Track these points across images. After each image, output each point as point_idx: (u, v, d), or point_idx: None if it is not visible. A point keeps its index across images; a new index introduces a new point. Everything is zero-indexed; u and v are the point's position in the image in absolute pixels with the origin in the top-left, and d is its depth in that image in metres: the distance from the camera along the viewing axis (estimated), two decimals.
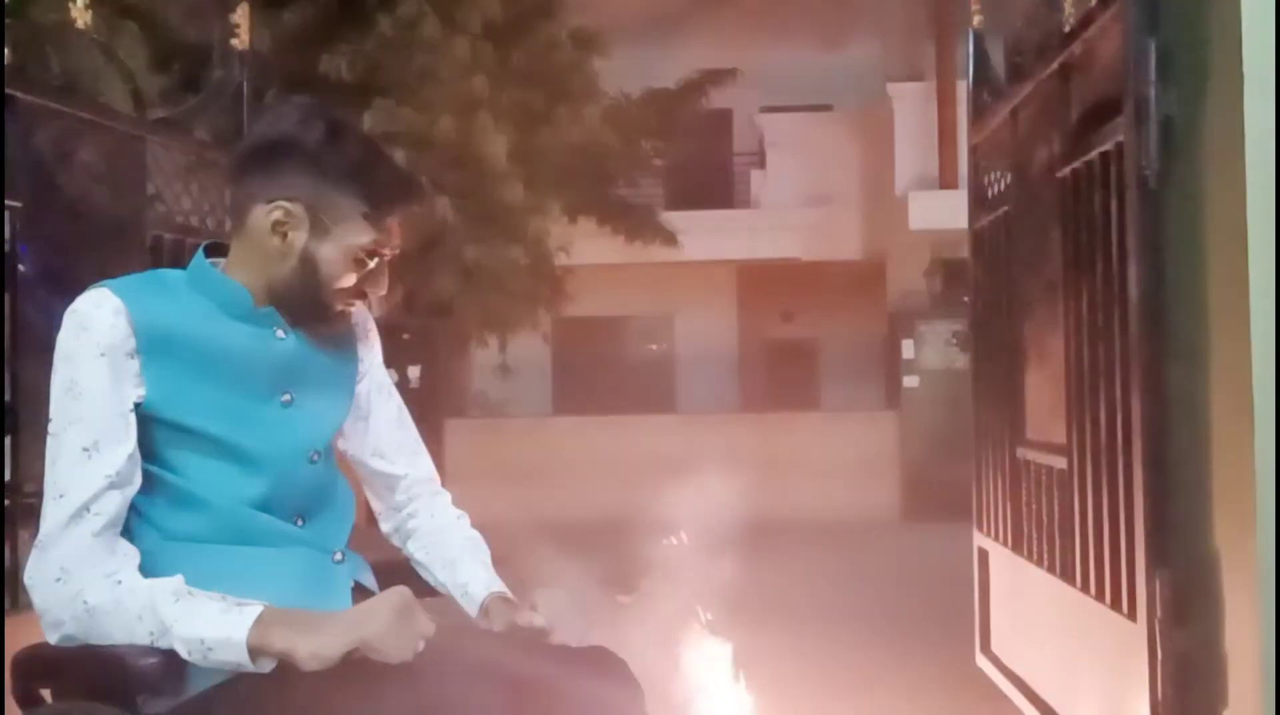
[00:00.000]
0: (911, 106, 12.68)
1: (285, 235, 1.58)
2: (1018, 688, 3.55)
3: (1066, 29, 3.14)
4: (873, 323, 13.47)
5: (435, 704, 1.42)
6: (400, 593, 1.50)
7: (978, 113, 4.10)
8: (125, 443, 1.51)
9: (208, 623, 1.41)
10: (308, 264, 1.59)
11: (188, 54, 7.01)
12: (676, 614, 3.86)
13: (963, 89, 4.36)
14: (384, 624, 1.44)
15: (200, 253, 1.66)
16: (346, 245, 1.60)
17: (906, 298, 11.05)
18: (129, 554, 1.49)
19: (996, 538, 3.82)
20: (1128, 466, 2.62)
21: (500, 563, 1.84)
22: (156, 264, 3.41)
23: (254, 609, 1.42)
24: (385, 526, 1.90)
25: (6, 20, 3.20)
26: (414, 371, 9.75)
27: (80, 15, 3.38)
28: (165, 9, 6.55)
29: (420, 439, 1.91)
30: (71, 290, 1.57)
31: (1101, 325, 2.80)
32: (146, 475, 1.54)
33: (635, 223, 10.83)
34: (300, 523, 1.62)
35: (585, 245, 10.70)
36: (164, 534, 1.54)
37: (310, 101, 1.65)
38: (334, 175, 1.58)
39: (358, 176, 1.60)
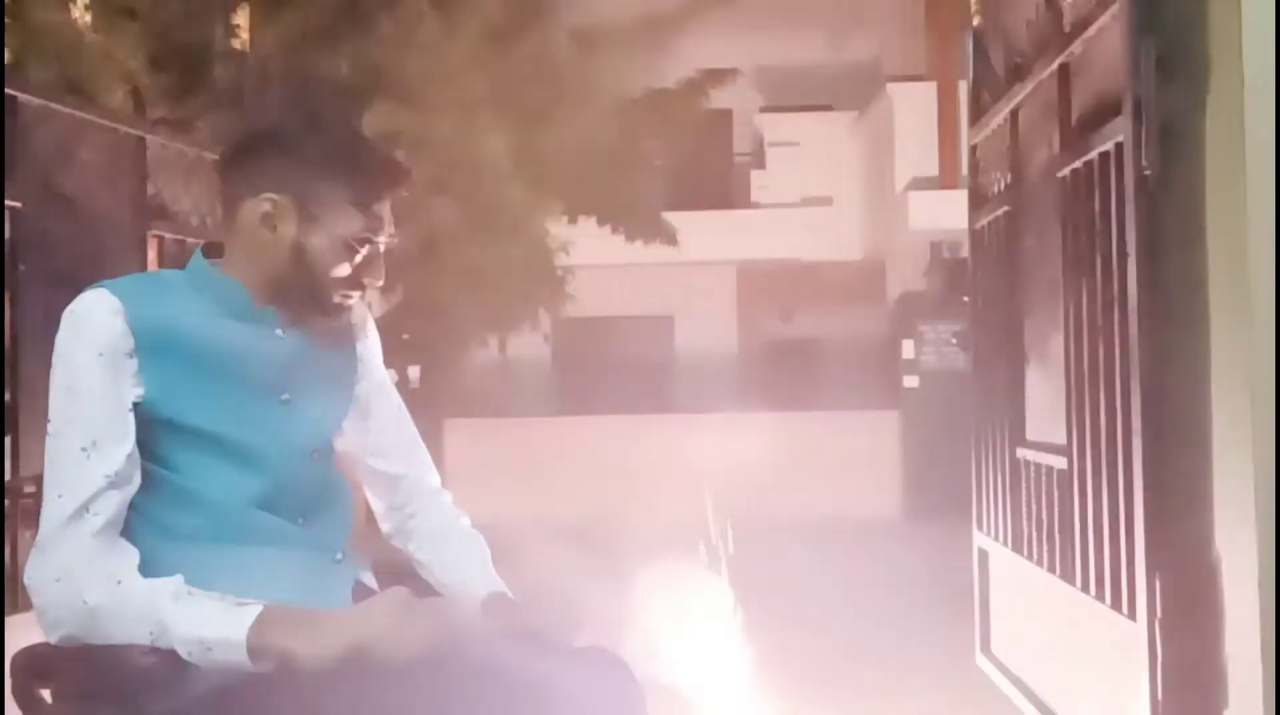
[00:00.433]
0: (911, 106, 12.68)
1: (275, 228, 1.59)
2: (1018, 688, 3.55)
3: (1066, 29, 3.14)
4: (873, 323, 13.47)
5: (435, 704, 1.42)
6: (400, 592, 1.49)
7: (978, 113, 4.09)
8: (124, 442, 1.51)
9: (207, 623, 1.41)
10: (299, 255, 1.59)
11: (188, 54, 7.01)
12: (676, 614, 3.86)
13: (963, 89, 4.36)
14: (384, 624, 1.44)
15: (198, 253, 1.66)
16: (336, 234, 1.60)
17: (906, 298, 11.04)
18: (129, 554, 1.49)
19: (996, 538, 3.81)
20: (1128, 466, 2.62)
21: (500, 562, 1.84)
22: (156, 264, 3.41)
23: (254, 609, 1.42)
24: (385, 527, 1.89)
25: (6, 20, 3.20)
26: (414, 371, 9.74)
27: (80, 15, 3.38)
28: (165, 9, 6.54)
29: (420, 439, 1.91)
30: (71, 290, 1.57)
31: (1101, 325, 2.80)
32: (146, 474, 1.54)
33: (635, 223, 10.82)
34: (301, 522, 1.62)
35: (585, 245, 10.70)
36: (164, 533, 1.54)
37: (292, 91, 1.66)
38: (316, 163, 1.59)
39: (340, 162, 1.61)
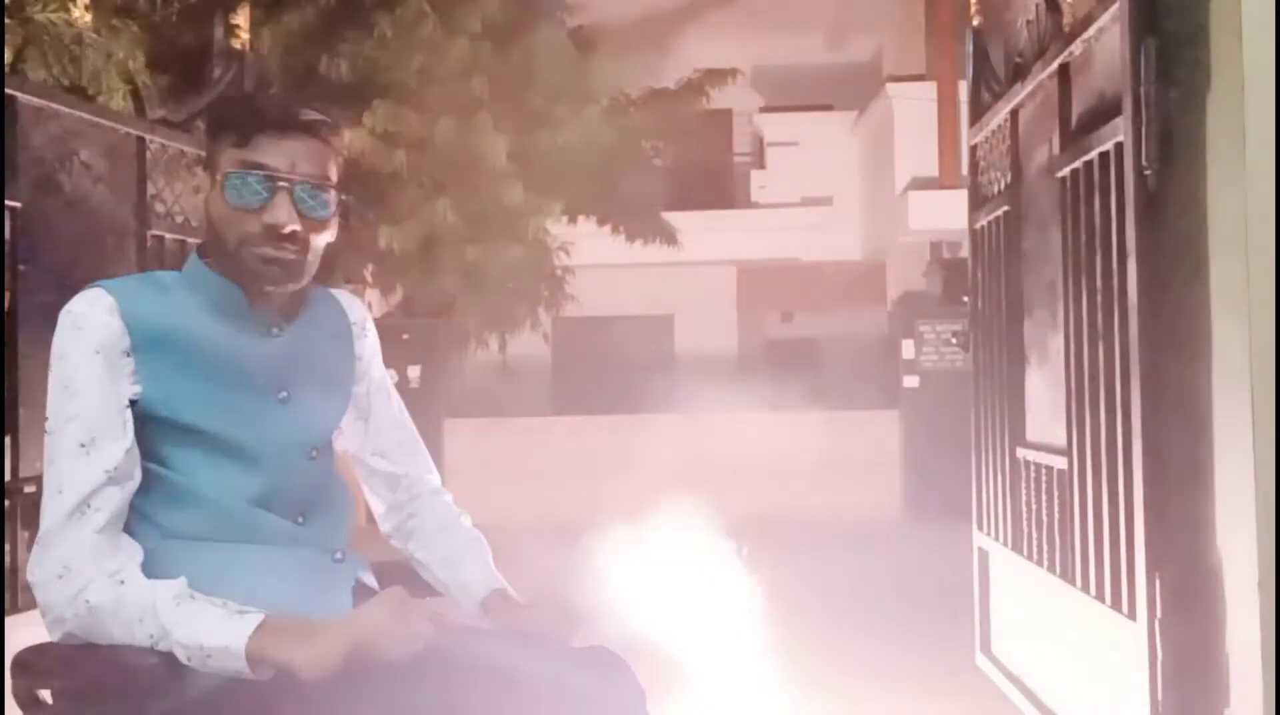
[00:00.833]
0: (911, 106, 12.67)
1: (202, 202, 1.63)
2: (1018, 688, 3.55)
3: (1066, 29, 3.14)
4: (873, 323, 13.47)
5: (436, 704, 1.42)
6: (396, 594, 1.50)
7: (978, 113, 4.09)
8: (122, 439, 1.51)
9: (207, 629, 1.41)
10: (211, 219, 1.61)
11: (188, 54, 7.01)
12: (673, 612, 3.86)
13: (963, 89, 4.36)
14: (381, 628, 1.44)
15: (194, 253, 1.66)
16: (219, 178, 1.58)
17: (906, 298, 11.04)
18: (132, 551, 1.49)
19: (996, 538, 3.81)
20: (1128, 466, 2.62)
21: (499, 562, 1.84)
22: (156, 264, 3.41)
23: (254, 617, 1.42)
24: (386, 526, 1.90)
25: (6, 20, 3.20)
26: (414, 371, 9.74)
27: (80, 15, 3.38)
28: (166, 9, 6.55)
29: (420, 439, 1.91)
30: (71, 290, 1.57)
31: (1101, 325, 2.80)
32: (146, 473, 1.54)
33: (635, 223, 10.82)
34: (300, 521, 1.62)
35: (585, 245, 10.70)
36: (164, 532, 1.54)
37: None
38: (214, 127, 1.63)
39: (223, 115, 1.63)
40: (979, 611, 4.01)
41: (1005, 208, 3.67)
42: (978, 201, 4.08)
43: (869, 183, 14.35)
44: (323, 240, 1.63)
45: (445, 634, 1.55)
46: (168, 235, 3.46)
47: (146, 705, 1.45)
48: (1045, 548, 3.30)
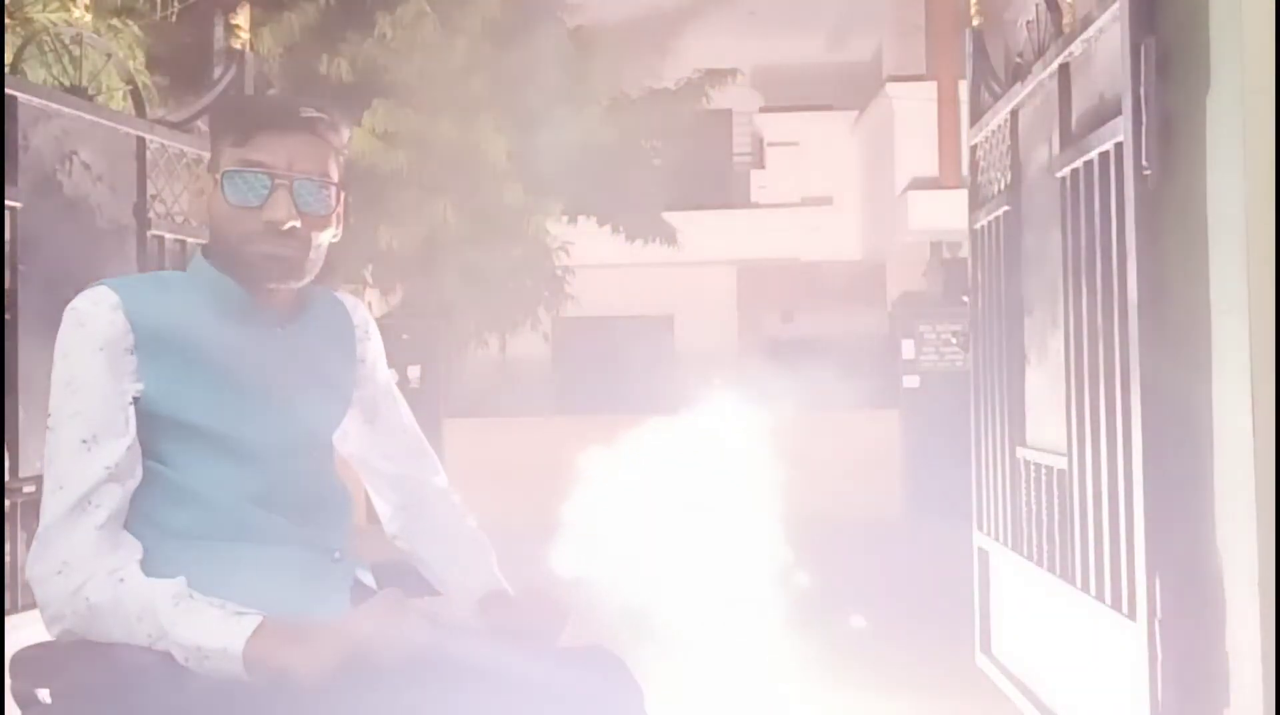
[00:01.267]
0: (911, 106, 12.68)
1: (204, 202, 1.63)
2: (1018, 688, 3.55)
3: (1066, 29, 3.14)
4: (873, 323, 13.48)
5: (433, 706, 1.42)
6: (393, 596, 1.50)
7: (978, 113, 4.10)
8: (124, 436, 1.51)
9: (206, 631, 1.41)
10: (213, 219, 1.62)
11: (188, 54, 7.01)
12: (675, 613, 3.86)
13: (963, 89, 4.36)
14: (378, 631, 1.44)
15: (199, 253, 1.66)
16: (218, 177, 1.60)
17: (906, 298, 11.04)
18: (132, 549, 1.49)
19: (996, 538, 3.81)
20: (1128, 466, 2.62)
21: (500, 561, 1.84)
22: (156, 264, 3.41)
23: (252, 620, 1.42)
24: (391, 528, 1.90)
25: (6, 20, 3.20)
26: (414, 371, 9.74)
27: (80, 15, 3.38)
28: (165, 9, 6.55)
29: (425, 440, 1.92)
30: (71, 290, 1.57)
31: (1101, 325, 2.80)
32: (146, 471, 1.54)
33: (635, 223, 10.82)
34: (299, 521, 1.62)
35: (585, 245, 10.70)
36: (163, 530, 1.54)
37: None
38: (215, 127, 1.68)
39: (225, 115, 1.68)
40: (979, 611, 4.01)
41: (1005, 208, 3.67)
42: (978, 201, 4.08)
43: (869, 183, 14.35)
44: (324, 237, 1.63)
45: (442, 635, 1.55)
46: (168, 235, 3.46)
47: (145, 705, 1.45)
48: (1045, 548, 3.30)
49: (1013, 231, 3.65)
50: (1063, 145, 3.10)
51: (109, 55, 3.56)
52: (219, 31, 3.71)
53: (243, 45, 3.73)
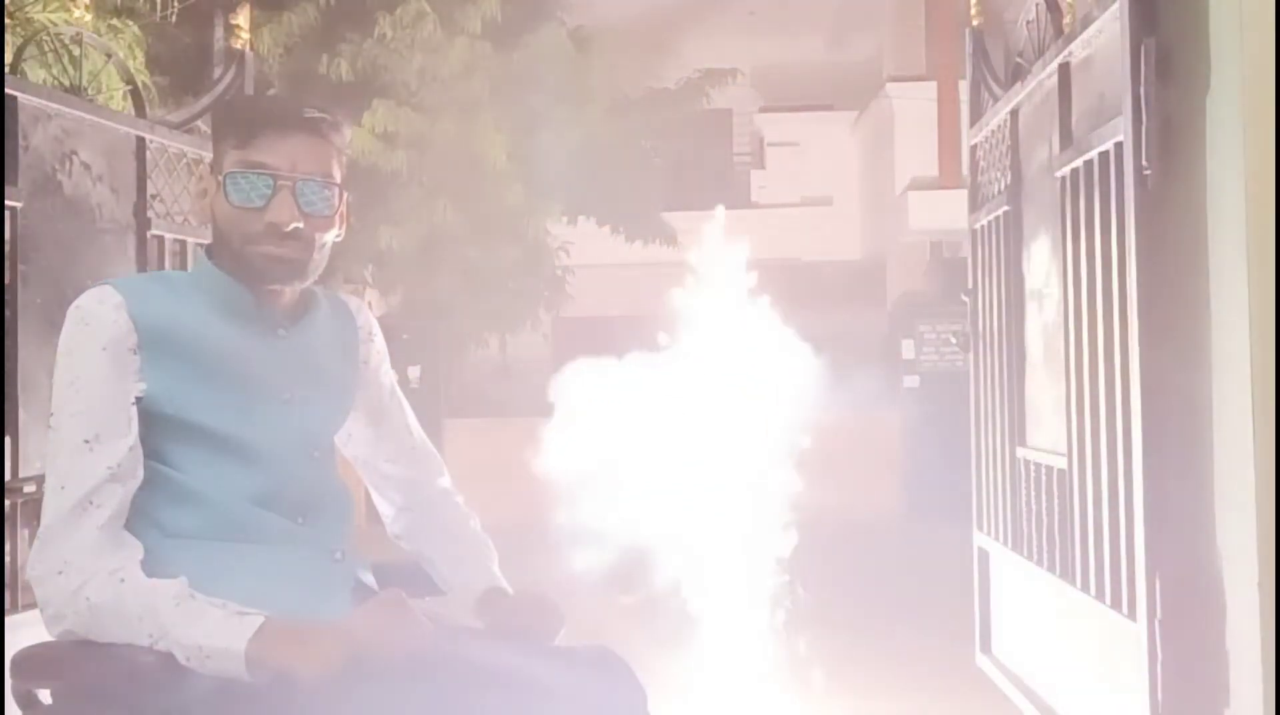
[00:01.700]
0: (911, 106, 12.68)
1: (207, 204, 1.64)
2: (1018, 688, 3.54)
3: (1066, 29, 3.14)
4: (873, 323, 13.47)
5: (435, 706, 1.42)
6: (394, 596, 1.50)
7: (977, 113, 4.10)
8: (126, 436, 1.51)
9: (208, 631, 1.41)
10: (216, 219, 1.63)
11: (188, 54, 7.01)
12: (675, 613, 3.86)
13: (963, 89, 4.36)
14: (379, 632, 1.44)
15: (203, 254, 1.67)
16: (221, 179, 1.61)
17: (906, 298, 11.05)
18: (133, 549, 1.49)
19: (996, 538, 3.81)
20: (1128, 466, 2.62)
21: (500, 561, 1.85)
22: (156, 264, 3.41)
23: (254, 620, 1.42)
24: (394, 528, 1.90)
25: (6, 20, 3.20)
26: (414, 371, 9.75)
27: (80, 15, 3.38)
28: (165, 9, 6.56)
29: (429, 442, 1.92)
30: (71, 290, 1.58)
31: (1101, 325, 2.80)
32: (147, 471, 1.54)
33: (635, 223, 10.82)
34: (301, 521, 1.62)
35: (585, 245, 10.70)
36: (164, 531, 1.54)
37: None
38: (217, 129, 1.68)
39: (227, 116, 1.68)
40: (979, 611, 4.01)
41: (1005, 208, 3.67)
42: (978, 201, 4.08)
43: (869, 183, 14.35)
44: (327, 238, 1.63)
45: (444, 635, 1.55)
46: (168, 235, 3.45)
47: (146, 705, 1.45)
48: (1045, 548, 3.30)
49: (1013, 231, 3.65)
50: (1063, 145, 3.10)
51: (109, 55, 3.56)
52: (219, 31, 3.71)
53: (243, 45, 3.72)
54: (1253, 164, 2.25)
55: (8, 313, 2.86)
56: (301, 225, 1.59)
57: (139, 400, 1.53)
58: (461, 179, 9.11)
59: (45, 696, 1.52)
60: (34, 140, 2.99)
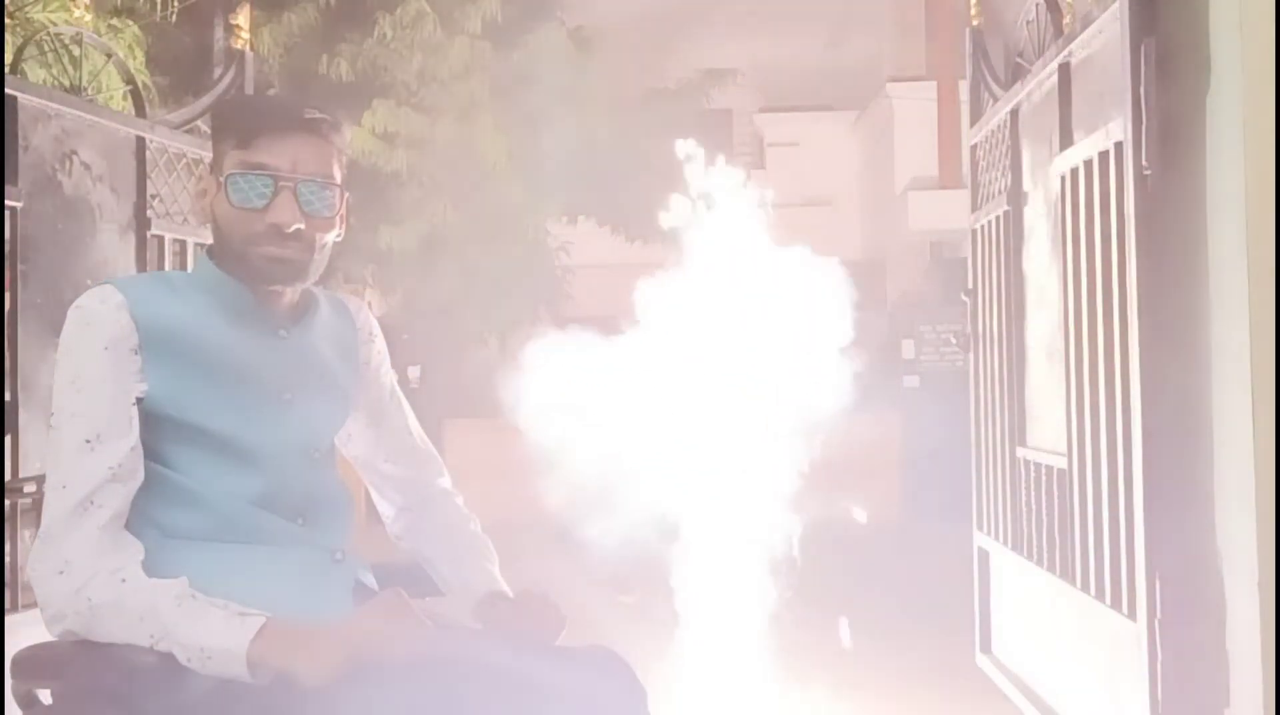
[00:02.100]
0: (911, 106, 12.68)
1: (207, 204, 1.64)
2: (1018, 688, 3.55)
3: (1066, 29, 3.14)
4: (873, 323, 13.45)
5: (436, 706, 1.42)
6: (395, 596, 1.49)
7: (977, 113, 4.10)
8: (127, 436, 1.51)
9: (209, 631, 1.41)
10: (217, 220, 1.63)
11: (188, 54, 7.01)
12: (674, 613, 3.86)
13: (963, 89, 4.37)
14: (380, 632, 1.44)
15: (204, 254, 1.67)
16: (222, 180, 1.61)
17: (906, 298, 11.05)
18: (134, 549, 1.49)
19: (996, 538, 3.82)
20: (1128, 466, 2.62)
21: (500, 562, 1.85)
22: (156, 264, 3.41)
23: (256, 621, 1.42)
24: (395, 529, 1.90)
25: (6, 20, 3.20)
26: (414, 371, 9.75)
27: (80, 15, 3.38)
28: (165, 9, 6.56)
29: (430, 443, 1.92)
30: (71, 290, 1.58)
31: (1101, 325, 2.80)
32: (148, 472, 1.54)
33: (635, 223, 10.81)
34: (301, 522, 1.62)
35: (585, 245, 10.69)
36: (165, 531, 1.54)
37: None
38: (217, 130, 1.66)
39: (227, 117, 1.66)
40: (979, 611, 4.01)
41: (1005, 208, 3.68)
42: (978, 201, 4.08)
43: (869, 183, 14.35)
44: (328, 238, 1.64)
45: (445, 636, 1.55)
46: (168, 235, 3.46)
47: (146, 705, 1.45)
48: (1045, 548, 3.30)
49: (1013, 231, 3.65)
50: (1063, 145, 3.10)
51: (109, 55, 3.56)
52: (219, 31, 3.71)
53: (243, 45, 3.73)
54: (1253, 164, 2.25)
55: (8, 313, 2.86)
56: (303, 226, 1.59)
57: (140, 400, 1.53)
58: (461, 179, 9.11)
59: (45, 696, 1.52)
60: (34, 140, 2.99)
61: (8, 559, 2.84)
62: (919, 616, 5.21)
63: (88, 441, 1.49)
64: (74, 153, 3.13)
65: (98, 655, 1.44)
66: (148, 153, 3.39)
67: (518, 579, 1.81)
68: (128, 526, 1.51)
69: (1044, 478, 3.32)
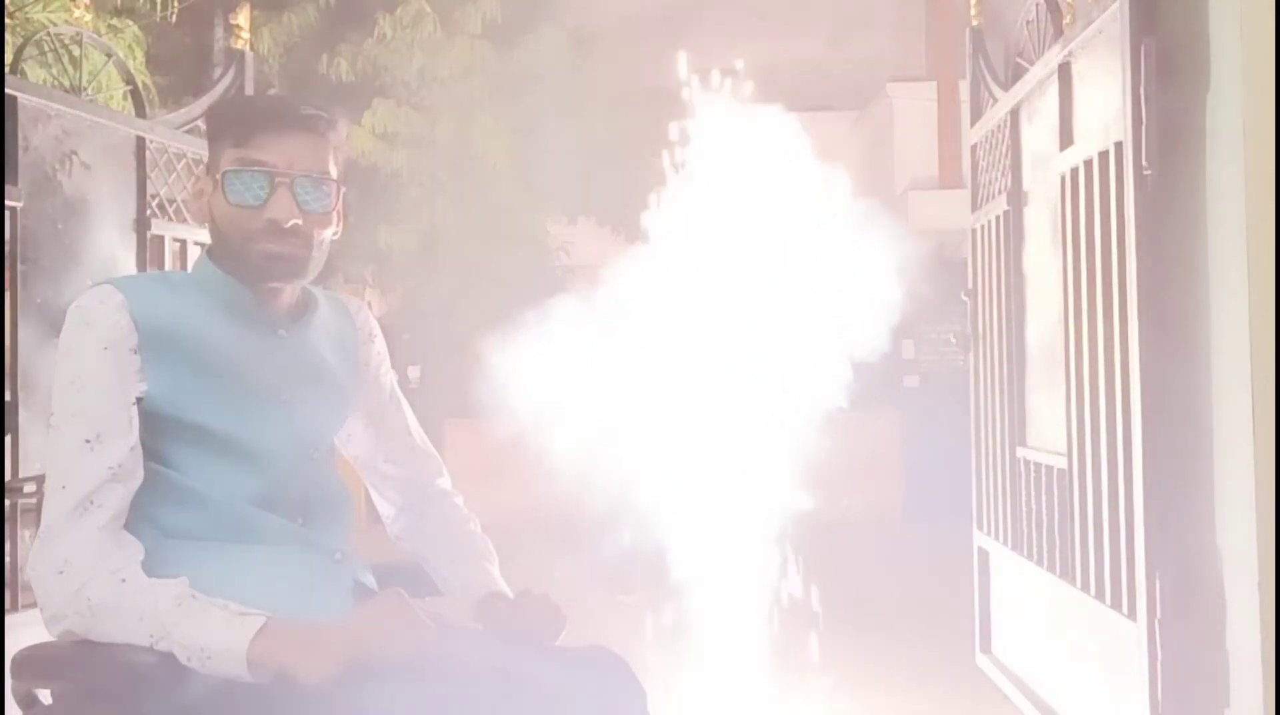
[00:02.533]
0: (911, 106, 12.67)
1: (205, 204, 1.64)
2: (1018, 688, 3.55)
3: (1066, 29, 3.14)
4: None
5: (436, 706, 1.42)
6: (395, 596, 1.49)
7: (977, 113, 4.10)
8: (127, 436, 1.51)
9: (210, 631, 1.41)
10: (215, 219, 1.63)
11: (188, 54, 7.01)
12: (674, 612, 3.86)
13: (963, 89, 4.37)
14: (381, 631, 1.44)
15: (204, 254, 1.67)
16: (219, 178, 1.61)
17: (907, 298, 11.04)
18: (133, 549, 1.49)
19: (996, 538, 3.82)
20: (1128, 466, 2.62)
21: (501, 561, 1.85)
22: (156, 264, 3.41)
23: (256, 620, 1.42)
24: (395, 529, 1.90)
25: (6, 20, 3.20)
26: (414, 371, 9.75)
27: (80, 15, 3.38)
28: (165, 9, 6.56)
29: (429, 443, 1.92)
30: (71, 290, 1.58)
31: (1101, 325, 2.80)
32: (147, 472, 1.54)
33: (635, 223, 10.80)
34: (301, 521, 1.62)
35: (585, 245, 10.68)
36: (164, 531, 1.54)
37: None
38: (213, 129, 1.66)
39: (223, 116, 1.67)
40: (979, 611, 4.01)
41: (1005, 208, 3.68)
42: (978, 201, 4.08)
43: (869, 183, 14.33)
44: (326, 234, 1.64)
45: (445, 636, 1.55)
46: (168, 235, 3.46)
47: (146, 705, 1.45)
48: (1045, 548, 3.30)
49: (1013, 231, 3.65)
50: (1063, 145, 3.10)
51: (109, 55, 3.56)
52: (219, 31, 3.71)
53: (243, 45, 3.73)
54: (1253, 164, 2.25)
55: (8, 313, 2.86)
56: (300, 222, 1.59)
57: (139, 400, 1.53)
58: (461, 179, 9.11)
59: (45, 696, 1.52)
60: (34, 140, 2.99)
61: (8, 559, 2.84)
62: (919, 616, 5.21)
63: (87, 441, 1.49)
64: (74, 153, 3.13)
65: (98, 655, 1.44)
66: (148, 153, 3.40)
67: (518, 579, 1.81)
68: (128, 526, 1.51)
69: (1044, 478, 3.32)
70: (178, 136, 3.52)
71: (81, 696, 1.48)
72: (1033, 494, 3.43)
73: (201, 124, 3.58)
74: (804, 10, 13.46)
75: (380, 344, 1.86)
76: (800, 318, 3.67)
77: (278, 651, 1.40)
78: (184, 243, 3.52)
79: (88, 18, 3.40)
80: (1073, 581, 3.03)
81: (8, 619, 2.68)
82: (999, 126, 3.76)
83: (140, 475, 1.53)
